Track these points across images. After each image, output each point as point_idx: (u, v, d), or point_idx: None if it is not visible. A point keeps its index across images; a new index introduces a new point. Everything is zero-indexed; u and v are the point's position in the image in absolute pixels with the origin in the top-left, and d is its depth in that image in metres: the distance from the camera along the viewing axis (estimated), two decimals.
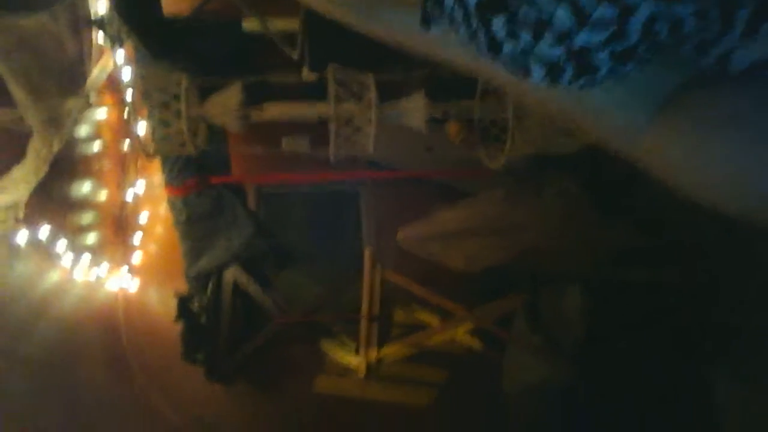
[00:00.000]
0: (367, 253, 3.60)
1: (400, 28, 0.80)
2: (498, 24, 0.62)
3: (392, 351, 3.61)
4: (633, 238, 3.18)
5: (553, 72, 0.65)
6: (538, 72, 0.65)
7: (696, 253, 2.99)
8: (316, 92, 2.77)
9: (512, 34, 0.62)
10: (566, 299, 3.34)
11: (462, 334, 3.63)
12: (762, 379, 2.63)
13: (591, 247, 3.23)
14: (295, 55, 2.89)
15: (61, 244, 2.94)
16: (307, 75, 3.13)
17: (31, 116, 2.49)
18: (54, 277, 2.99)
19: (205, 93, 2.59)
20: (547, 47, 0.62)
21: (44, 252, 2.88)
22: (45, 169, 2.70)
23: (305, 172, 3.73)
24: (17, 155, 2.57)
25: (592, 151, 2.58)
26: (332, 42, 2.84)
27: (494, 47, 0.65)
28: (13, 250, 2.63)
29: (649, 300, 3.18)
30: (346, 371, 3.73)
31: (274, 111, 2.67)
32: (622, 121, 0.73)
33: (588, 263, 3.31)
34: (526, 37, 0.62)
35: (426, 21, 0.70)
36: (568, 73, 0.64)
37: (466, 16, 0.64)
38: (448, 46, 0.75)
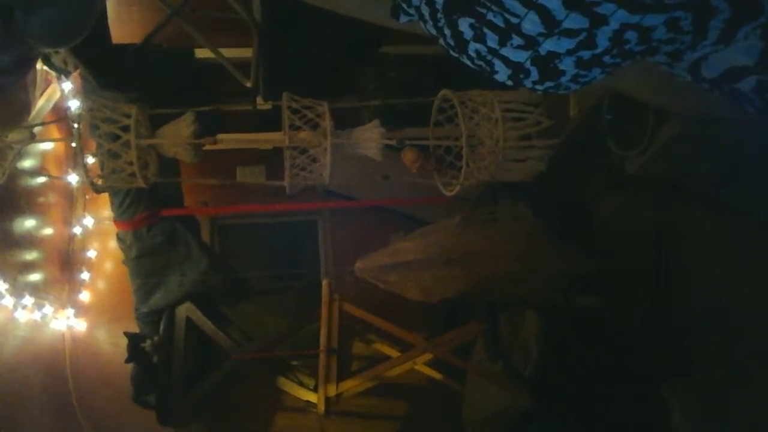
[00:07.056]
0: (324, 285, 3.54)
1: (377, 14, 0.84)
2: (465, 25, 0.62)
3: (351, 385, 3.54)
4: (588, 264, 3.22)
5: (518, 73, 0.64)
6: (502, 71, 0.65)
7: (647, 276, 3.04)
8: (270, 121, 2.74)
9: (479, 36, 0.62)
10: (524, 326, 3.35)
11: (421, 364, 3.59)
12: (715, 400, 2.66)
13: (547, 272, 3.25)
14: (249, 84, 2.86)
15: (3, 283, 2.81)
16: (261, 104, 3.10)
17: None
18: None
19: (156, 123, 2.53)
20: (513, 50, 0.61)
21: None
22: None
23: (261, 202, 3.67)
24: None
25: (546, 177, 2.61)
26: (286, 70, 2.83)
27: (460, 45, 0.64)
28: None
29: (607, 323, 3.21)
30: (305, 408, 3.63)
31: (228, 141, 2.62)
32: None
33: (545, 289, 3.33)
34: (492, 39, 0.61)
35: (395, 13, 0.71)
36: (533, 76, 0.64)
37: (433, 14, 0.64)
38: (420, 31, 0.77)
